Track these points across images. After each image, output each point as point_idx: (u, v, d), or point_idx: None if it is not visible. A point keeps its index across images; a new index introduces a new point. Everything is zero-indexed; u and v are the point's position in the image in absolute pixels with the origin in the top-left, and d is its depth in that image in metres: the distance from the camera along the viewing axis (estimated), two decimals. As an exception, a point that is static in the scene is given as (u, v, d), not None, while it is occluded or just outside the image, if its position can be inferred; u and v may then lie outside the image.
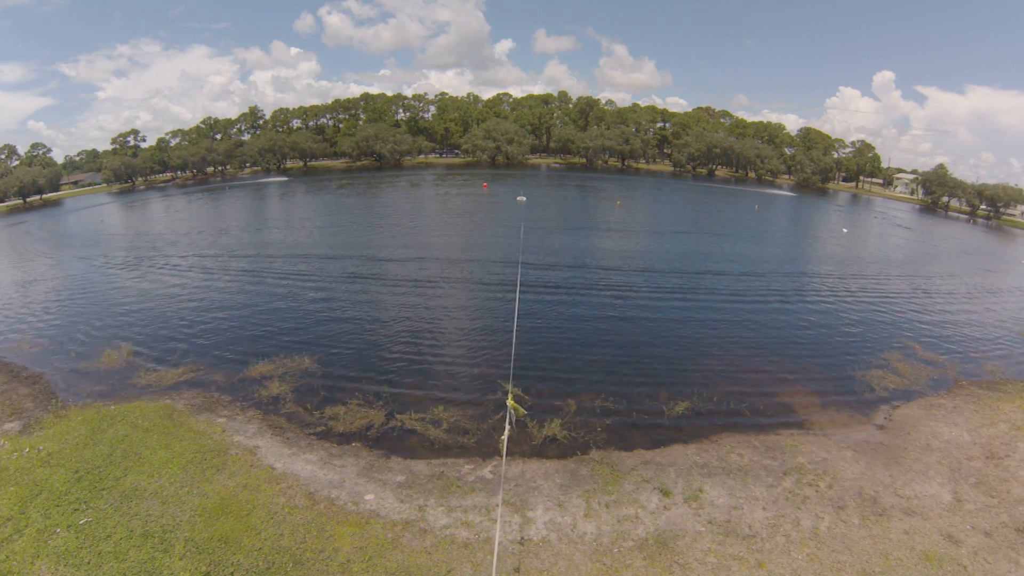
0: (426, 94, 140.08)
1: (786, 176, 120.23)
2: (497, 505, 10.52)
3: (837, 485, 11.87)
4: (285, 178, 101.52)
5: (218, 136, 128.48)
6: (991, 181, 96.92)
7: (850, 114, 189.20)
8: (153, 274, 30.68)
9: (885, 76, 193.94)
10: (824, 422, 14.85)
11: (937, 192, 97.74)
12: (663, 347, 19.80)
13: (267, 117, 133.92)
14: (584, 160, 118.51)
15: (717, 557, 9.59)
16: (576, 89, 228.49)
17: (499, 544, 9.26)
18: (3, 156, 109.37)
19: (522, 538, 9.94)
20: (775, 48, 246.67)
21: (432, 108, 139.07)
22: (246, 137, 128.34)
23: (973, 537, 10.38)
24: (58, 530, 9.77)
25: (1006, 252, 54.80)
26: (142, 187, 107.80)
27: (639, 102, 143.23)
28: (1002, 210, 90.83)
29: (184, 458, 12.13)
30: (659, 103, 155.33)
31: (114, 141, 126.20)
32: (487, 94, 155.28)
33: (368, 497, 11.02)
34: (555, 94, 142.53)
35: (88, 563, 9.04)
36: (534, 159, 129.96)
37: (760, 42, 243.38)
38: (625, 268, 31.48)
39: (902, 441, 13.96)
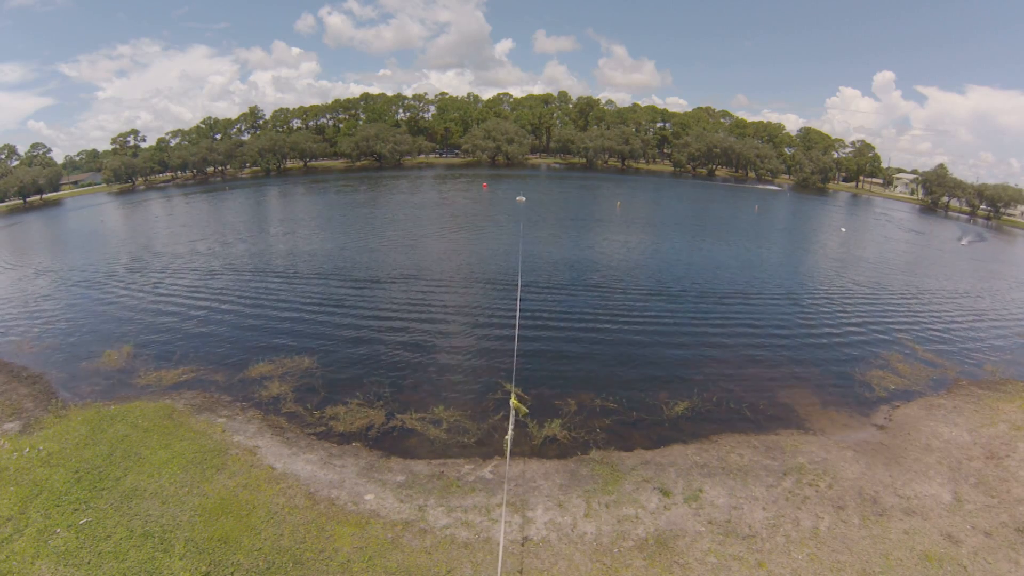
0: (426, 94, 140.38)
1: (786, 176, 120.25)
2: (498, 505, 10.52)
3: (837, 485, 11.87)
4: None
5: (218, 136, 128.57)
6: (991, 181, 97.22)
7: (850, 114, 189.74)
8: (153, 274, 30.66)
9: (885, 76, 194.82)
10: (824, 422, 14.85)
11: (937, 192, 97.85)
12: (663, 347, 19.77)
13: (267, 117, 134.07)
14: (584, 160, 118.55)
15: (717, 557, 9.59)
16: (576, 89, 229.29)
17: (501, 544, 9.25)
18: (3, 156, 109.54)
19: (522, 538, 9.94)
20: (775, 48, 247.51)
21: (432, 108, 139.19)
22: (246, 137, 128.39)
23: (973, 537, 10.37)
24: (58, 530, 9.76)
25: (1010, 254, 54.83)
26: (142, 187, 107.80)
27: (639, 102, 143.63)
28: (1002, 210, 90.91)
29: (184, 458, 12.12)
30: (659, 103, 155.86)
31: (114, 141, 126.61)
32: (487, 94, 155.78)
33: (368, 497, 11.01)
34: (555, 94, 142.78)
35: (88, 563, 9.04)
36: (534, 159, 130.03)
37: (760, 42, 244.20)
38: (625, 268, 31.46)
39: (902, 441, 13.96)
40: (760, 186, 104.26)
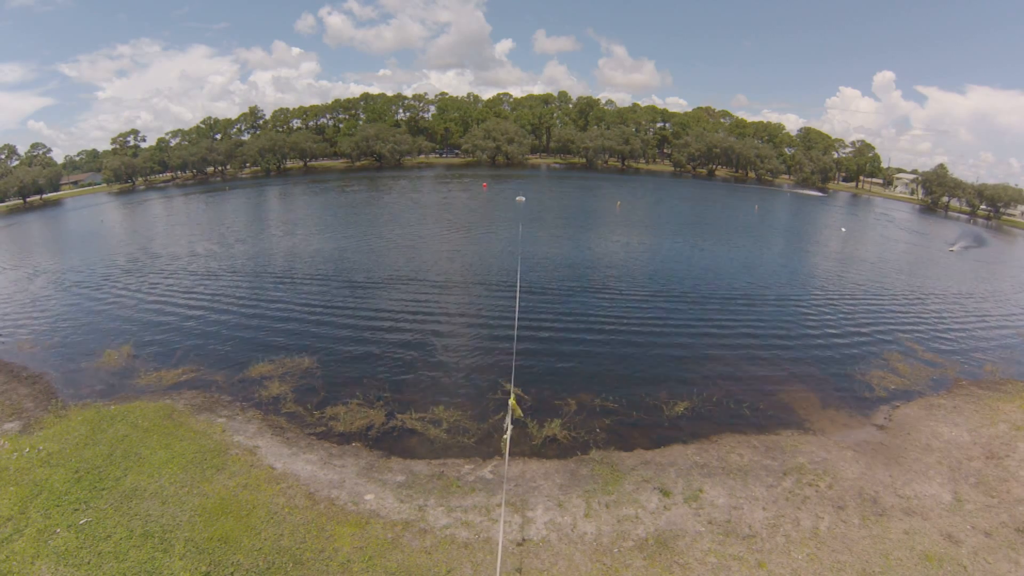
0: (426, 94, 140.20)
1: (786, 176, 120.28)
2: (497, 505, 10.51)
3: (837, 485, 11.87)
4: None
5: (218, 136, 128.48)
6: (991, 181, 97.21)
7: (850, 114, 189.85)
8: (153, 274, 30.66)
9: (885, 76, 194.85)
10: (824, 422, 14.85)
11: (937, 192, 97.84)
12: (663, 347, 19.77)
13: (267, 117, 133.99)
14: (584, 160, 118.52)
15: (717, 557, 9.59)
16: (576, 89, 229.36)
17: (500, 544, 9.25)
18: (3, 156, 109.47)
19: (522, 538, 9.94)
20: (775, 48, 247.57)
21: (432, 108, 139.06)
22: (246, 137, 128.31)
23: (973, 537, 10.37)
24: (58, 530, 9.76)
25: (1009, 256, 54.81)
26: (142, 187, 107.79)
27: (639, 102, 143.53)
28: (1002, 210, 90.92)
29: (184, 458, 12.12)
30: (659, 103, 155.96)
31: (114, 141, 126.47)
32: (487, 94, 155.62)
33: (368, 497, 11.01)
34: (555, 94, 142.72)
35: (88, 563, 9.04)
36: (534, 159, 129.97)
37: (759, 42, 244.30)
38: (625, 268, 31.46)
39: (902, 441, 13.96)
40: (802, 190, 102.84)
